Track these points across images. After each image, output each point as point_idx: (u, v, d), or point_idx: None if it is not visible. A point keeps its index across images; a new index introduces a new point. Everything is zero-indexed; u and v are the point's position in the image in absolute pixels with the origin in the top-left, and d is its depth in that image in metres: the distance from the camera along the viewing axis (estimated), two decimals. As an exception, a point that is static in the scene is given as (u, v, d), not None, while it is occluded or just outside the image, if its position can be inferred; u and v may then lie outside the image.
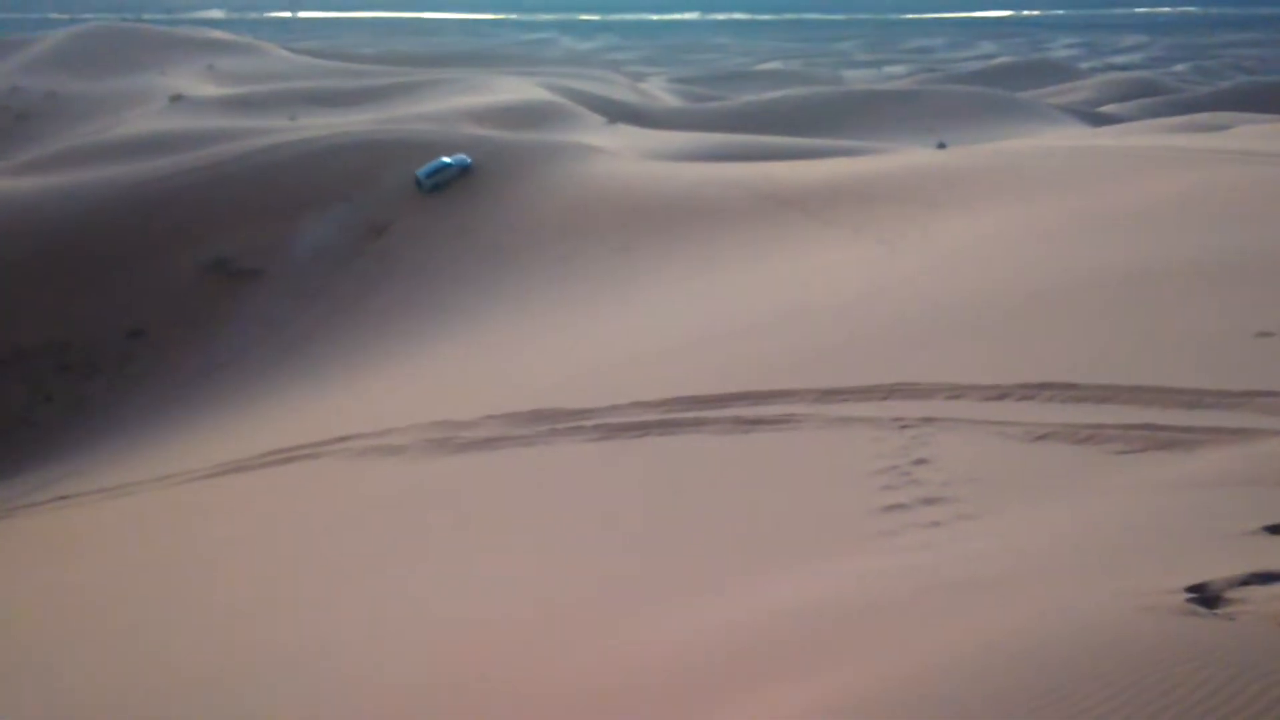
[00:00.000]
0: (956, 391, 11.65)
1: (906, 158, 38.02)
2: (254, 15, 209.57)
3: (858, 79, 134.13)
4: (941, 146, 56.94)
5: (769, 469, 10.89)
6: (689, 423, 13.04)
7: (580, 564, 9.20)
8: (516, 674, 6.99)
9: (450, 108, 64.25)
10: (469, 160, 40.09)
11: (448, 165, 39.62)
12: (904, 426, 10.75)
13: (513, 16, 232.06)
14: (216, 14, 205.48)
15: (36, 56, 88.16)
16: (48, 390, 32.26)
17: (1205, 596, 4.99)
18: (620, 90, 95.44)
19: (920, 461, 9.57)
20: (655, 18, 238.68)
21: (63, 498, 21.50)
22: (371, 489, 14.65)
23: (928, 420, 10.83)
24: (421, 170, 39.57)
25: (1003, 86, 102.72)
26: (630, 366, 18.24)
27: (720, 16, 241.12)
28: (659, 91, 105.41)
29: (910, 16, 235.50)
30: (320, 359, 30.23)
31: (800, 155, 46.98)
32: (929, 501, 8.45)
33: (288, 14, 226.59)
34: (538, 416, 15.28)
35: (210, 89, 77.30)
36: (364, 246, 37.80)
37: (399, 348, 28.55)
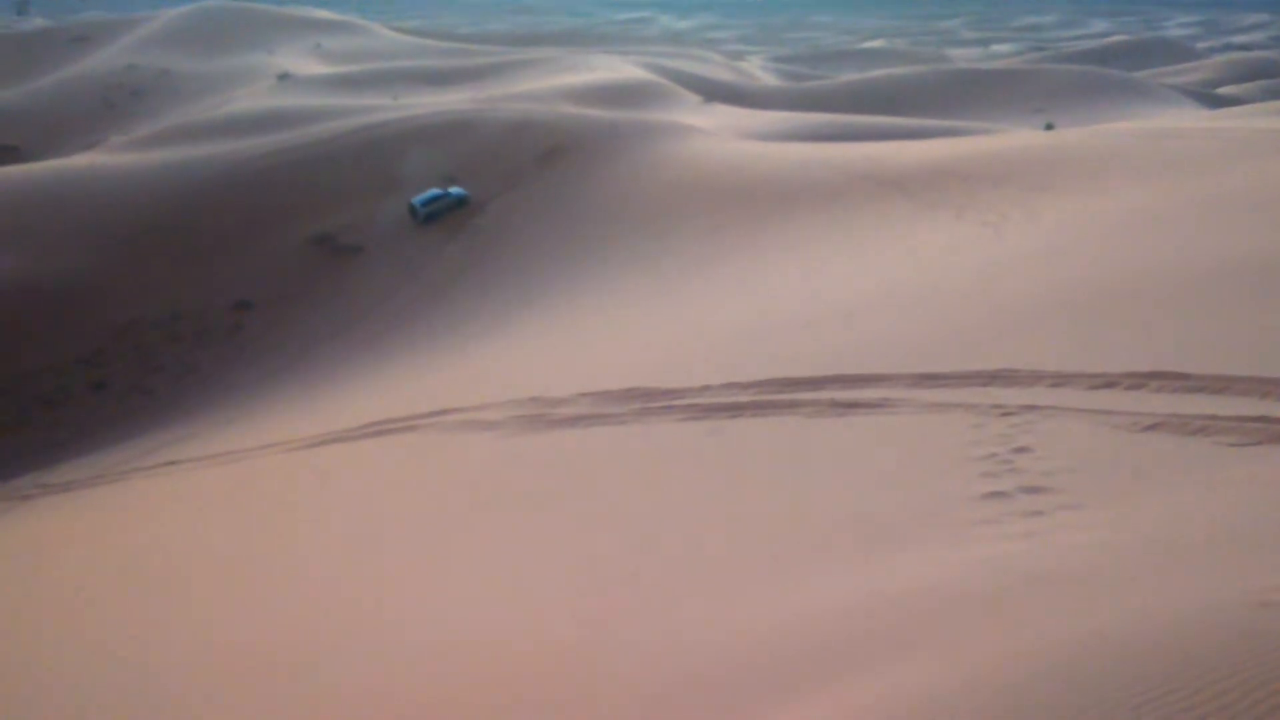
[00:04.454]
0: (1061, 379, 11.32)
1: (1013, 139, 37.01)
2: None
3: (963, 57, 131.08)
4: (1050, 128, 55.31)
5: (865, 453, 10.74)
6: (783, 404, 12.92)
7: (670, 545, 9.20)
8: (596, 653, 7.02)
9: (548, 87, 64.63)
10: (466, 193, 39.48)
11: (444, 195, 39.14)
12: (1005, 414, 10.49)
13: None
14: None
15: (151, 35, 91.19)
16: (159, 359, 33.46)
17: (1327, 596, 4.77)
18: (717, 69, 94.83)
19: (1022, 450, 9.33)
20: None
21: (172, 462, 22.30)
22: (465, 463, 14.87)
23: (1030, 408, 10.55)
24: (417, 198, 38.98)
25: (1115, 66, 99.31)
26: (723, 347, 18.15)
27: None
28: (757, 70, 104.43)
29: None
30: (418, 333, 30.77)
31: (902, 136, 46.10)
32: (1031, 490, 8.23)
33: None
34: (630, 395, 15.31)
35: (316, 67, 79.09)
36: (463, 224, 38.31)
37: (494, 323, 28.90)
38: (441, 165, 41.66)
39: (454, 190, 39.32)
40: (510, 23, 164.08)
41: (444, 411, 17.78)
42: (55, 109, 72.50)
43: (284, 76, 73.12)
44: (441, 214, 38.61)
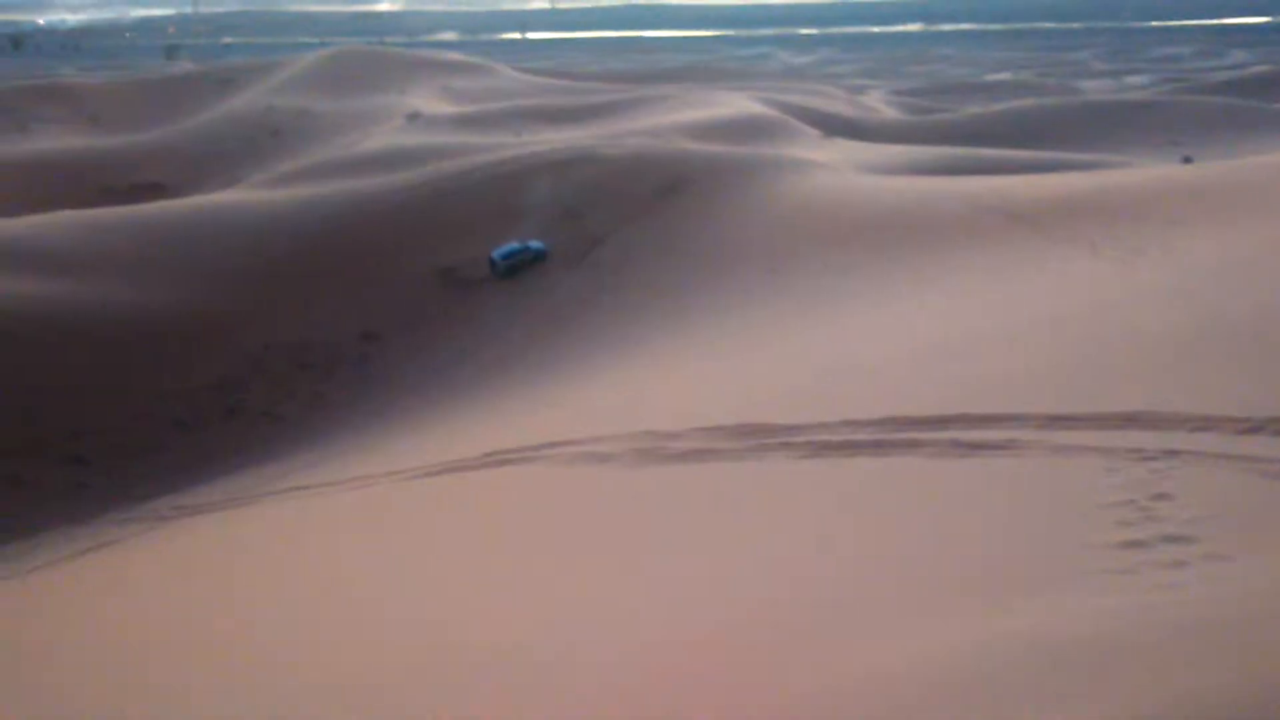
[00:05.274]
0: (1203, 423, 10.75)
1: (1149, 173, 35.69)
2: (486, 37, 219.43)
3: (1095, 89, 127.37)
4: (1187, 161, 53.25)
5: (990, 497, 10.35)
6: (903, 444, 12.58)
7: (788, 585, 8.99)
8: (712, 693, 6.87)
9: (668, 123, 65.16)
10: (545, 247, 39.29)
11: (524, 249, 38.93)
12: (1143, 458, 9.99)
13: (730, 33, 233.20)
14: (451, 36, 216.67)
15: (291, 78, 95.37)
16: (290, 386, 34.63)
17: None
18: (837, 103, 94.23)
19: (1161, 496, 8.86)
20: (876, 30, 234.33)
21: (300, 487, 22.94)
22: (579, 495, 14.89)
23: (1170, 452, 10.03)
24: (497, 252, 38.85)
25: (1257, 98, 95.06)
26: (841, 383, 17.83)
27: (946, 27, 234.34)
28: (878, 104, 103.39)
29: (1154, 24, 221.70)
30: (536, 365, 31.14)
31: (1031, 169, 44.93)
32: (1171, 539, 7.79)
33: (517, 35, 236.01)
34: (745, 430, 15.13)
35: (444, 107, 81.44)
36: (581, 257, 38.76)
37: (611, 356, 29.05)
38: (562, 199, 42.31)
39: (533, 244, 39.32)
40: (632, 61, 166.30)
41: (559, 444, 17.87)
42: (200, 148, 76.32)
43: (413, 116, 75.50)
44: (521, 268, 38.72)
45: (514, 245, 39.23)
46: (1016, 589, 7.42)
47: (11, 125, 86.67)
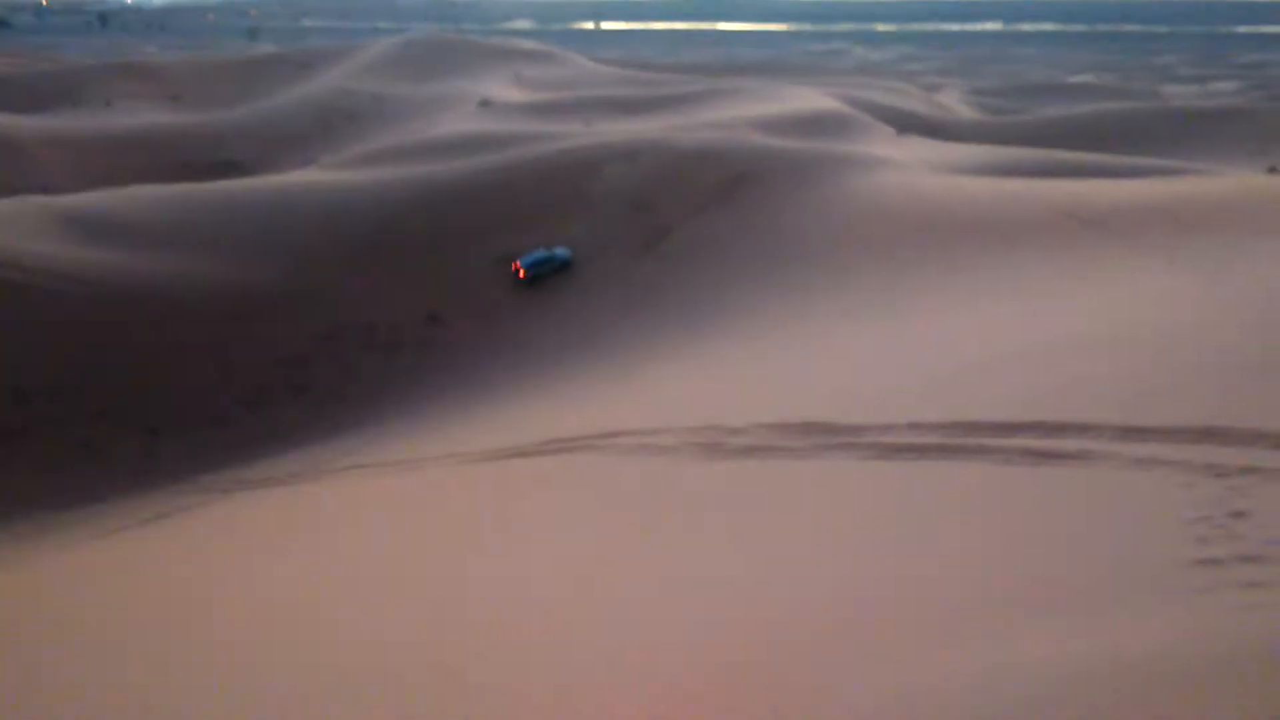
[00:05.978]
0: (1285, 440, 10.38)
1: (1231, 182, 34.65)
2: (559, 26, 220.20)
3: (1179, 95, 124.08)
4: (1274, 171, 51.66)
5: (1060, 508, 10.10)
6: (971, 449, 12.34)
7: (830, 596, 8.85)
8: (752, 693, 6.78)
9: (739, 116, 64.76)
10: (570, 256, 38.96)
11: (550, 258, 38.58)
12: (1220, 475, 9.68)
13: (806, 27, 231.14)
14: (525, 24, 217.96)
15: (367, 63, 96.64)
16: (356, 366, 35.09)
17: None
18: (912, 101, 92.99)
19: (1238, 514, 8.57)
20: (955, 28, 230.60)
21: (361, 466, 23.25)
22: (640, 487, 14.85)
23: (1249, 470, 9.70)
24: (523, 260, 38.56)
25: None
26: (907, 385, 17.55)
27: (1026, 27, 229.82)
28: (955, 103, 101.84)
29: (1244, 30, 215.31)
30: (598, 354, 31.18)
31: (1110, 174, 43.89)
32: (1248, 559, 7.53)
33: (591, 25, 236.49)
34: (809, 429, 14.97)
35: (516, 95, 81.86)
36: (648, 248, 38.70)
37: (675, 347, 28.98)
38: (631, 189, 42.27)
39: (559, 252, 39.05)
40: (706, 54, 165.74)
41: (621, 433, 17.86)
42: (276, 128, 77.66)
43: (485, 103, 76.01)
44: (546, 276, 38.61)
45: (540, 253, 38.93)
46: (1087, 604, 7.22)
47: (97, 101, 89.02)
